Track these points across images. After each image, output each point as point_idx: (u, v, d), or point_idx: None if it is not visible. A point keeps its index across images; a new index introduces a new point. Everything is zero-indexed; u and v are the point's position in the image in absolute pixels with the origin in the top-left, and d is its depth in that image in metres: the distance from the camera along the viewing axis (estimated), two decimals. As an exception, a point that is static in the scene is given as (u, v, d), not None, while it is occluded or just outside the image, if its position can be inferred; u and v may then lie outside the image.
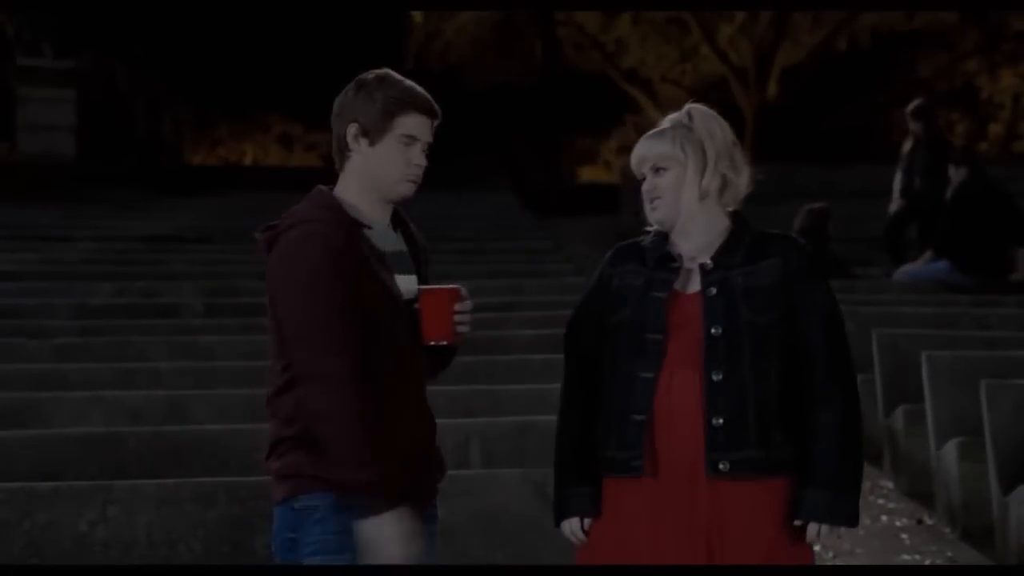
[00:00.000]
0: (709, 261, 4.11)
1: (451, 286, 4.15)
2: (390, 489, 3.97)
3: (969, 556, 7.93)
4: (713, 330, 4.02)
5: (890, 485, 9.50)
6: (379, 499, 3.97)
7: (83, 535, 5.43)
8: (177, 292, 12.02)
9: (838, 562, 7.77)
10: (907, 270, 13.09)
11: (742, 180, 4.18)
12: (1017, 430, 7.72)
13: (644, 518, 4.04)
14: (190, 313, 11.00)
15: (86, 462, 6.32)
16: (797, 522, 4.02)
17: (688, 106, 4.23)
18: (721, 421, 3.99)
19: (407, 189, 4.15)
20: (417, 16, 32.93)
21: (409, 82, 4.16)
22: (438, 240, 15.60)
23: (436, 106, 4.17)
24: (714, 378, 4.00)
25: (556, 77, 31.14)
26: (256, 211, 13.98)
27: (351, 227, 4.08)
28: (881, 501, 9.11)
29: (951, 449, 8.41)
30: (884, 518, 8.72)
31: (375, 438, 3.97)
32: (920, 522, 8.65)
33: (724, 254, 4.11)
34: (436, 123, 4.19)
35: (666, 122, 4.22)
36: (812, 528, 4.01)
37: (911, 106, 14.56)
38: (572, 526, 4.16)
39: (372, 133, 4.10)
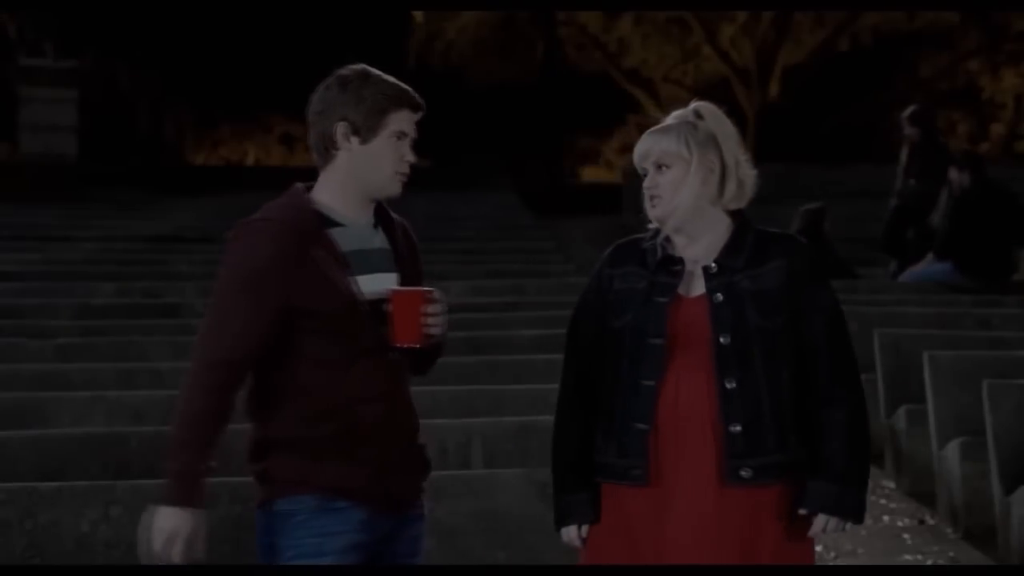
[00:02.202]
0: (713, 264, 4.03)
1: (421, 288, 4.04)
2: (188, 487, 3.91)
3: (971, 556, 7.92)
4: (722, 339, 3.96)
5: (892, 485, 9.50)
6: (173, 491, 3.90)
7: (85, 535, 5.43)
8: (179, 292, 12.01)
9: (840, 562, 7.76)
10: (909, 271, 13.07)
11: (751, 180, 4.11)
12: (1019, 430, 7.72)
13: (648, 524, 4.00)
14: (192, 313, 10.97)
15: (88, 462, 6.30)
16: (803, 511, 3.98)
17: (696, 104, 4.15)
18: (739, 428, 3.94)
19: (397, 187, 4.08)
20: (419, 16, 32.95)
21: (391, 78, 4.10)
22: (440, 240, 15.60)
23: (421, 100, 4.13)
24: (728, 386, 3.95)
25: (558, 77, 31.18)
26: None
27: (307, 227, 4.00)
28: (883, 501, 9.11)
29: (953, 449, 8.40)
30: (886, 518, 8.71)
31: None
32: (922, 522, 8.64)
33: (728, 256, 4.04)
34: (419, 117, 4.14)
35: (671, 119, 4.14)
36: (819, 520, 3.99)
37: (908, 111, 14.31)
38: (572, 533, 4.13)
39: (364, 131, 4.03)
